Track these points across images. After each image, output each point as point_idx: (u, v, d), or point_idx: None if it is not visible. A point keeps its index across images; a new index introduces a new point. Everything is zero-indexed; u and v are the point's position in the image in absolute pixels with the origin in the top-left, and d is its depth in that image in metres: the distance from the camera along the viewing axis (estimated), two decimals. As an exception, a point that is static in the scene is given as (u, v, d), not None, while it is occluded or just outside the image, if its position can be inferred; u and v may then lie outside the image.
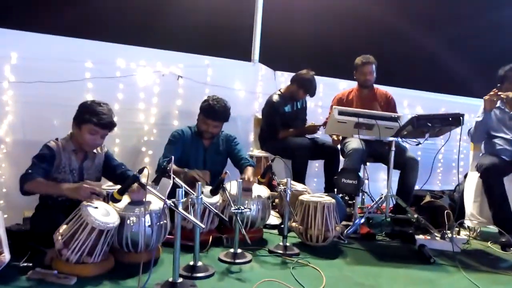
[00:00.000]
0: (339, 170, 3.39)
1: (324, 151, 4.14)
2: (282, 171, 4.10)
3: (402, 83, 5.38)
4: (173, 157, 2.37)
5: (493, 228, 3.46)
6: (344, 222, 3.33)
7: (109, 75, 3.81)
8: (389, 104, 4.15)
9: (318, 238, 2.91)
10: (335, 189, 3.55)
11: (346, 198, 3.48)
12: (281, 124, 4.14)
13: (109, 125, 2.60)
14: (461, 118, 3.16)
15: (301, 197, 3.07)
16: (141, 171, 2.25)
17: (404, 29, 6.07)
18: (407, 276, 2.56)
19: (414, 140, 3.30)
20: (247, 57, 4.82)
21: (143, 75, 4.02)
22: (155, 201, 2.48)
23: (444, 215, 3.32)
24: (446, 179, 5.68)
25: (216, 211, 2.50)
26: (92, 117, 2.52)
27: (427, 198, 3.95)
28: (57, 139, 2.62)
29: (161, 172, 2.41)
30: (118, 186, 2.37)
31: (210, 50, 4.49)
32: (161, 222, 2.43)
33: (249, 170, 3.24)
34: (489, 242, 3.39)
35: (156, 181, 2.46)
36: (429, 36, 6.25)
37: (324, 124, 4.18)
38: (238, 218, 2.49)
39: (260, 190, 3.12)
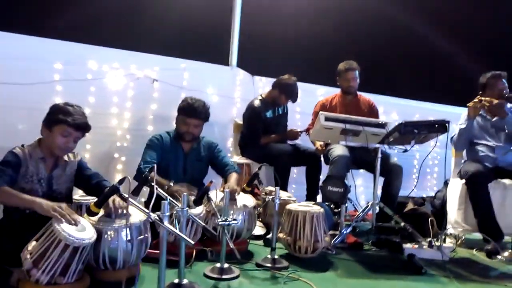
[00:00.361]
0: (325, 177, 3.28)
1: (306, 158, 4.03)
2: (263, 179, 3.96)
3: (378, 89, 5.36)
4: (155, 165, 2.19)
5: (477, 235, 3.44)
6: (330, 232, 3.22)
7: (79, 78, 3.60)
8: (372, 112, 4.10)
9: (307, 249, 2.77)
10: (317, 197, 3.44)
11: (331, 206, 3.37)
12: (263, 130, 4.00)
13: (84, 127, 2.40)
14: (446, 125, 3.13)
15: (288, 207, 2.93)
16: (121, 181, 2.05)
17: (382, 35, 6.10)
18: (402, 288, 2.47)
19: (401, 146, 3.25)
20: (224, 61, 4.68)
21: (116, 78, 3.82)
22: (135, 213, 2.29)
23: (428, 222, 3.27)
24: (420, 185, 5.69)
25: (205, 225, 2.32)
26: (66, 117, 2.32)
27: (410, 205, 3.91)
28: (23, 145, 2.38)
29: (142, 182, 2.22)
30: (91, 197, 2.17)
31: (186, 53, 4.35)
32: (142, 236, 2.24)
33: (233, 177, 3.09)
34: (474, 250, 3.37)
35: (136, 192, 2.25)
36: (406, 42, 6.31)
37: (307, 130, 4.09)
38: (225, 230, 2.33)
39: (246, 199, 2.96)
